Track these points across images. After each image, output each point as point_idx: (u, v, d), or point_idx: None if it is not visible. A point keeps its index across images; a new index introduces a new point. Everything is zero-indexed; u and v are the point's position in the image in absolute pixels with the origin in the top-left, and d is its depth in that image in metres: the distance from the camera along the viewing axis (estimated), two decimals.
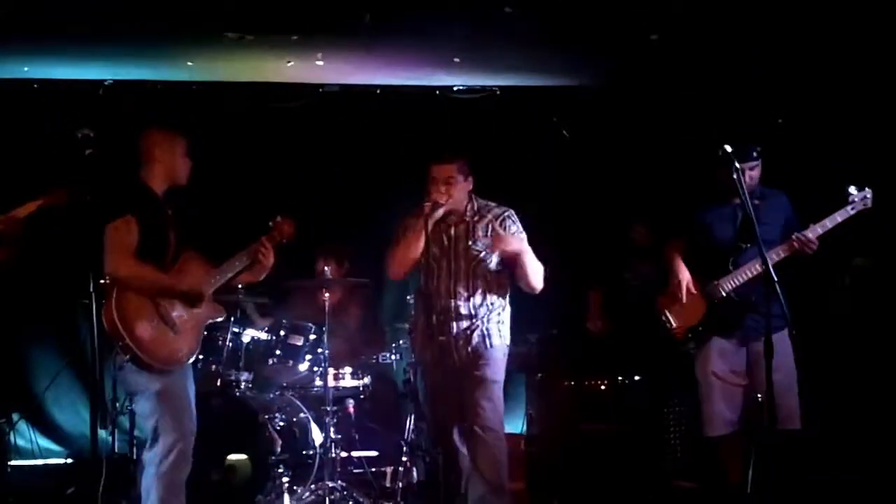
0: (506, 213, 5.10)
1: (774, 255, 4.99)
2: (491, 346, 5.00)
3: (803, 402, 5.11)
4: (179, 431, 4.47)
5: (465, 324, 4.99)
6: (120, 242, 4.35)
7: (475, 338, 4.99)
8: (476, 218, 5.08)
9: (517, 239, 5.00)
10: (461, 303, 4.99)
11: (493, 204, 5.15)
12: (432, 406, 5.23)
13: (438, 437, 5.14)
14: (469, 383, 4.95)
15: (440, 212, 4.96)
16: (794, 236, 5.08)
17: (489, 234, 5.03)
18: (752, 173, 5.12)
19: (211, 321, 4.77)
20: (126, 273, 4.37)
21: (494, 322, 5.03)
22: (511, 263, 5.03)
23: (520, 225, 5.09)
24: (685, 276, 5.29)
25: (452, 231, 5.07)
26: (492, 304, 5.03)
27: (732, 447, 5.17)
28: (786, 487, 4.66)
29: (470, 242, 5.03)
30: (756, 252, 4.85)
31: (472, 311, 4.99)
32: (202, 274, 4.68)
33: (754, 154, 5.14)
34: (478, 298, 5.01)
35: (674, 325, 5.33)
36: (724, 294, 5.18)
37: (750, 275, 5.08)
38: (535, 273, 5.00)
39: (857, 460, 5.75)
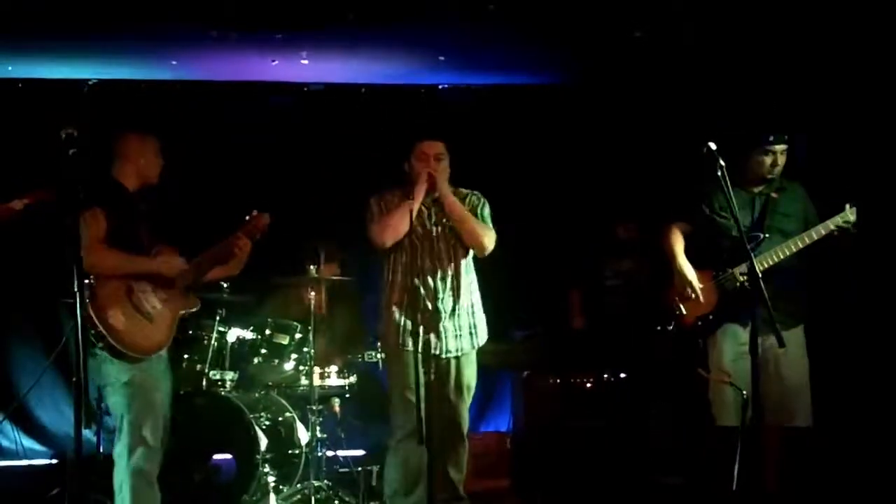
0: (474, 195, 5.07)
1: (799, 242, 4.89)
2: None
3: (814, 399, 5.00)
4: (149, 424, 4.46)
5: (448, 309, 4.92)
6: (86, 232, 4.32)
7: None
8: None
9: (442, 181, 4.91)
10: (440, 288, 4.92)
11: (463, 190, 5.09)
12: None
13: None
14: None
15: (436, 187, 4.88)
16: (839, 222, 4.88)
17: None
18: (780, 158, 5.02)
19: (185, 312, 4.76)
20: (94, 259, 4.31)
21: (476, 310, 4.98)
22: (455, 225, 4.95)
23: (488, 209, 5.05)
24: (691, 274, 5.13)
25: (431, 213, 5.00)
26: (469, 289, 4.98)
27: (720, 443, 5.16)
28: (775, 485, 4.67)
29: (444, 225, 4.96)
30: (772, 242, 4.87)
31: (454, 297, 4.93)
32: (177, 266, 4.69)
33: (786, 137, 5.03)
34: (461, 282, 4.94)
35: (685, 313, 5.18)
36: (738, 284, 4.98)
37: (767, 265, 4.88)
38: (475, 229, 4.93)
39: (853, 458, 5.77)
